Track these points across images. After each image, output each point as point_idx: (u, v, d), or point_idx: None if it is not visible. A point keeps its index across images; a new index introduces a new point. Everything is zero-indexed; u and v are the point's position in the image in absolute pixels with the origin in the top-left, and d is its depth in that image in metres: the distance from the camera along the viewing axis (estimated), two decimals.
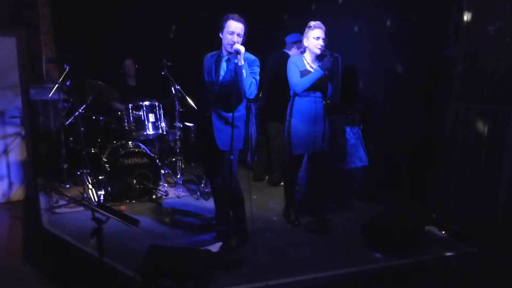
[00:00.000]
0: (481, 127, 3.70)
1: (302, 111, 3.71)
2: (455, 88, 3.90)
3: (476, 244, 3.53)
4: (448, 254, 3.43)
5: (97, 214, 2.59)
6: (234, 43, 3.13)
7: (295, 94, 3.72)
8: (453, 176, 3.94)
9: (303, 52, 3.78)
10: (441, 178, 4.04)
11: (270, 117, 4.94)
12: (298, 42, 4.76)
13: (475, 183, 3.76)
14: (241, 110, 3.34)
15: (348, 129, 4.49)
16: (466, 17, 3.75)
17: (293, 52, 4.80)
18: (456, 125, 3.90)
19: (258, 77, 3.26)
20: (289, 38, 4.83)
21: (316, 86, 3.64)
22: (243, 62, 3.09)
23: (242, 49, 3.08)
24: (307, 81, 3.61)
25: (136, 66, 5.31)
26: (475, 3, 3.70)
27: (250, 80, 3.16)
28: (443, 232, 3.80)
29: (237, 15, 3.20)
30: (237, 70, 3.06)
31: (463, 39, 3.79)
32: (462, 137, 3.86)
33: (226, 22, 3.20)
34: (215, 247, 3.39)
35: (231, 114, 3.21)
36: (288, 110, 3.78)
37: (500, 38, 3.52)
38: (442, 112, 4.00)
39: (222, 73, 3.30)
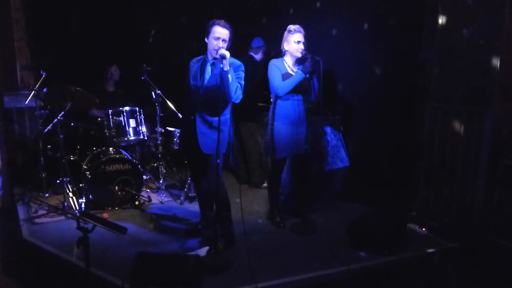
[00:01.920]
0: (458, 126, 3.83)
1: (285, 114, 3.74)
2: (432, 89, 4.02)
3: (456, 240, 3.64)
4: (430, 250, 3.53)
5: (82, 223, 2.55)
6: (219, 48, 3.16)
7: (277, 97, 3.75)
8: (432, 174, 4.05)
9: (283, 55, 3.81)
10: (420, 177, 4.15)
11: (242, 118, 4.97)
12: (263, 47, 5.02)
13: (454, 181, 3.88)
14: (225, 114, 3.36)
15: (329, 130, 4.56)
16: (441, 20, 3.87)
17: (258, 55, 5.03)
18: (434, 125, 4.02)
19: (243, 82, 3.30)
20: (254, 43, 5.04)
21: (298, 89, 3.68)
22: (228, 67, 3.12)
23: (227, 54, 3.11)
24: (289, 84, 3.65)
25: (119, 72, 5.24)
26: (450, 7, 3.82)
27: (235, 85, 3.20)
28: (424, 229, 3.90)
29: (223, 20, 3.23)
30: (222, 75, 3.08)
31: (439, 41, 3.92)
32: (440, 136, 3.98)
33: (212, 27, 3.22)
34: (202, 251, 3.38)
35: (215, 118, 3.24)
36: (270, 114, 3.81)
37: (474, 40, 3.65)
38: (420, 112, 4.11)
39: (207, 77, 3.32)
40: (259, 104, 5.08)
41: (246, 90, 3.50)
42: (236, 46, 3.39)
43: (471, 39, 3.68)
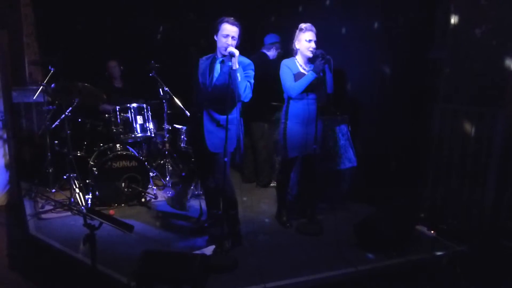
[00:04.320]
0: (468, 127, 3.78)
1: (297, 114, 3.72)
2: (442, 89, 3.97)
3: (465, 242, 3.60)
4: (438, 253, 3.49)
5: (89, 220, 2.54)
6: (228, 46, 3.13)
7: (290, 97, 3.73)
8: (441, 175, 4.00)
9: (295, 54, 3.77)
10: (429, 178, 4.11)
11: (254, 117, 4.94)
12: (276, 43, 4.83)
13: (463, 183, 3.83)
14: (234, 113, 3.33)
15: (337, 130, 4.52)
16: (453, 20, 3.82)
17: (271, 52, 4.87)
18: (444, 125, 3.97)
19: (252, 81, 3.28)
20: (267, 39, 4.88)
21: (310, 88, 3.65)
22: (237, 66, 3.09)
23: (236, 52, 3.08)
24: (301, 85, 3.62)
25: (122, 68, 5.23)
26: (461, 6, 3.77)
27: (244, 84, 3.18)
28: (432, 231, 3.86)
29: (232, 18, 3.20)
30: (231, 73, 3.06)
31: (450, 41, 3.86)
32: (449, 137, 3.93)
33: (221, 25, 3.19)
34: (208, 250, 3.37)
35: (223, 116, 3.21)
36: (283, 113, 3.79)
37: (486, 40, 3.60)
38: (430, 112, 4.06)
39: (215, 75, 3.29)
40: (272, 103, 5.03)
41: (258, 89, 3.44)
42: (247, 44, 3.36)
43: (484, 39, 3.63)
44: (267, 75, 4.70)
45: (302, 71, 3.69)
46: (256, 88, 4.18)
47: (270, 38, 4.86)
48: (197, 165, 3.98)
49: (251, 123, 4.99)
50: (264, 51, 4.88)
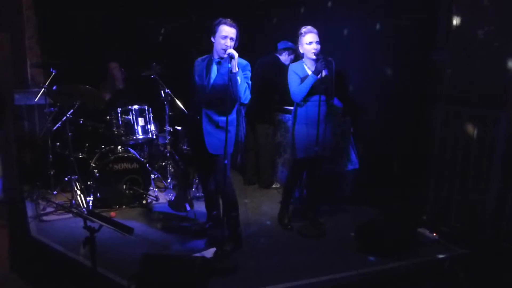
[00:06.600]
0: (471, 129, 3.76)
1: (304, 116, 3.72)
2: (445, 91, 3.95)
3: (467, 245, 3.57)
4: (440, 256, 3.46)
5: (89, 222, 2.53)
6: (227, 47, 3.12)
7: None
8: (444, 178, 3.98)
9: (300, 58, 3.79)
10: (431, 180, 4.08)
11: (259, 119, 4.94)
12: (289, 49, 4.89)
13: (466, 185, 3.80)
14: (233, 114, 3.33)
15: (339, 132, 4.50)
16: (456, 21, 3.80)
17: (283, 57, 4.93)
18: (446, 127, 3.95)
19: (250, 82, 3.27)
20: (280, 45, 4.96)
21: (315, 90, 3.64)
22: (237, 69, 3.07)
23: (235, 54, 3.07)
24: (302, 89, 3.62)
25: (123, 69, 5.23)
26: (464, 8, 3.75)
27: (244, 85, 3.17)
28: (435, 234, 3.83)
29: (229, 19, 3.19)
30: (231, 77, 3.04)
31: (452, 42, 3.84)
32: (452, 139, 3.90)
33: (218, 26, 3.18)
34: (209, 253, 3.36)
35: (222, 118, 3.21)
36: (292, 115, 3.82)
37: (489, 42, 3.58)
38: (432, 114, 4.04)
39: (213, 76, 3.28)
40: (278, 106, 5.04)
41: (267, 91, 3.44)
42: (253, 46, 3.35)
43: (486, 41, 3.61)
44: (278, 78, 4.69)
45: (310, 73, 3.68)
46: (265, 91, 4.19)
47: (282, 44, 4.93)
48: (196, 167, 3.96)
49: (257, 125, 4.99)
50: (277, 55, 4.94)
